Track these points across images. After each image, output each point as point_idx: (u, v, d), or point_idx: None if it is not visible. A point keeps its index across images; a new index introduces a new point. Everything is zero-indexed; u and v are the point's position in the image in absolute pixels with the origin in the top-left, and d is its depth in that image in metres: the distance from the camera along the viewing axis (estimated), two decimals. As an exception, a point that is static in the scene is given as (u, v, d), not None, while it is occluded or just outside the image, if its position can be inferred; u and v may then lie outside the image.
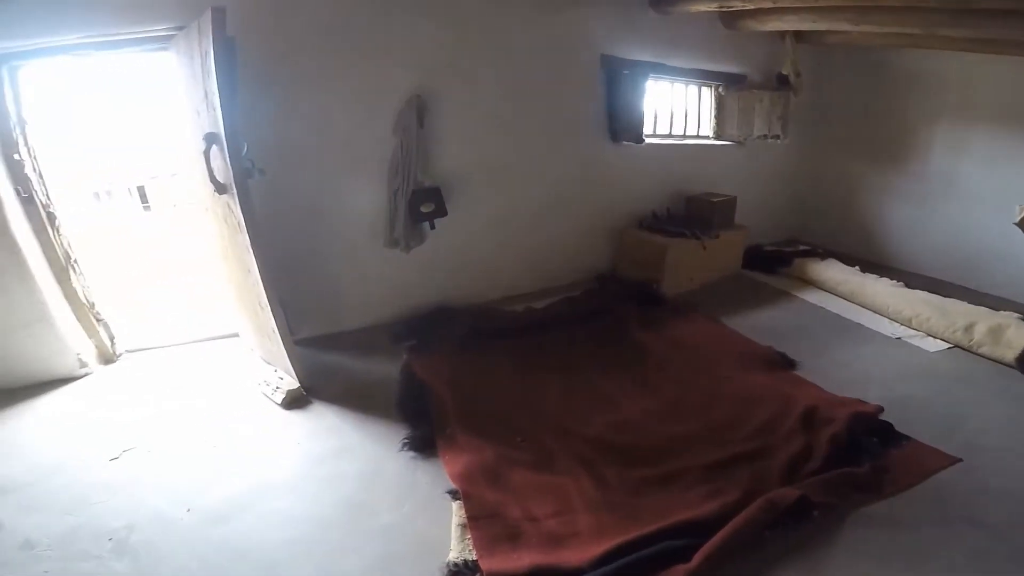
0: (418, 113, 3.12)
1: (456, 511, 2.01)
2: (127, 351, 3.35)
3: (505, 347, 3.18)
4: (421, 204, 3.17)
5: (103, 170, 7.69)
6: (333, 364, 3.13)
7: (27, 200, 2.84)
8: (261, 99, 2.73)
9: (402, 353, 3.14)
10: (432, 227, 3.28)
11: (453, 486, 2.12)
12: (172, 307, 4.11)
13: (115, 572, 1.83)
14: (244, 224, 2.31)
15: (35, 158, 2.89)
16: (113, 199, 8.24)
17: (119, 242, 5.65)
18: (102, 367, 3.21)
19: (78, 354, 3.07)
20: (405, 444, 2.39)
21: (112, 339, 3.26)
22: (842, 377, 2.92)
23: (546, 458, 2.31)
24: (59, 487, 2.24)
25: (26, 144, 2.84)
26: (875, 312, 3.66)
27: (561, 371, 2.97)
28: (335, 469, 2.31)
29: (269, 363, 3.05)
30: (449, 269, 3.59)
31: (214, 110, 2.29)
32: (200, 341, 3.47)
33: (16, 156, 2.78)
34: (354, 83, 3.03)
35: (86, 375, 3.11)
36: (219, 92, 2.22)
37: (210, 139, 2.37)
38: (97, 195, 7.47)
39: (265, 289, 2.44)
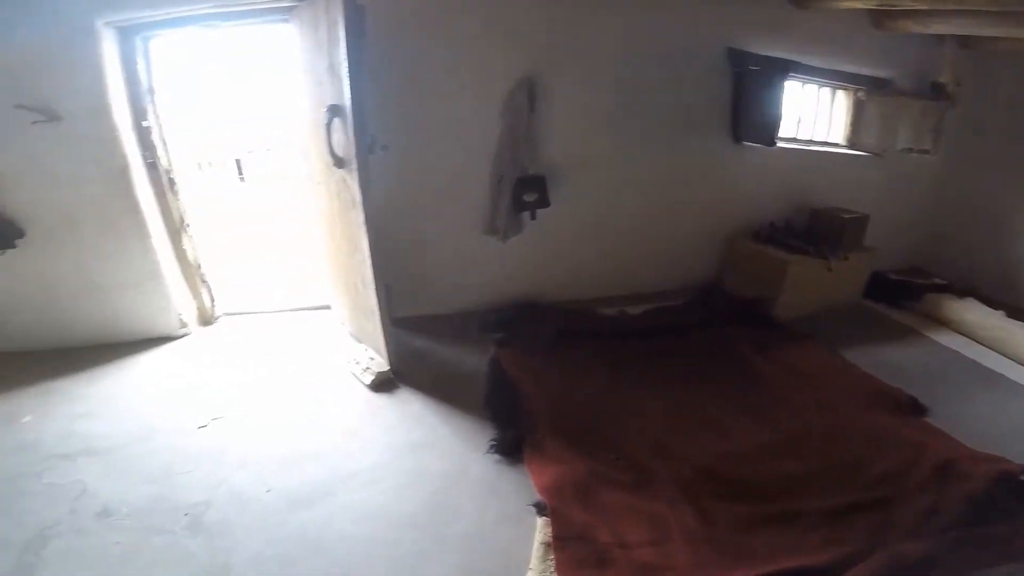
0: (529, 96, 2.99)
1: (541, 527, 1.87)
2: (224, 314, 3.44)
3: (598, 352, 3.00)
4: (524, 193, 3.04)
5: (208, 142, 8.16)
6: (421, 349, 3.07)
7: (151, 166, 2.95)
8: (381, 72, 2.67)
9: (490, 345, 3.03)
10: (533, 217, 3.14)
11: (539, 498, 1.98)
12: (266, 276, 4.21)
13: (187, 551, 1.80)
14: (360, 201, 2.25)
15: (161, 126, 2.99)
16: (214, 170, 8.75)
17: (217, 212, 5.89)
18: (200, 328, 3.31)
19: (180, 314, 3.17)
20: (492, 446, 2.27)
21: (213, 301, 3.35)
22: (980, 430, 2.54)
23: (643, 480, 2.12)
24: (146, 453, 2.27)
25: (154, 112, 2.94)
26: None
27: (662, 386, 2.75)
28: (418, 464, 2.22)
29: (360, 341, 3.02)
30: (542, 262, 3.45)
31: (340, 81, 2.22)
32: (292, 310, 3.52)
33: (144, 123, 2.88)
34: (469, 60, 2.93)
35: (185, 335, 3.21)
36: (346, 62, 2.15)
37: (333, 111, 2.32)
38: (199, 165, 7.94)
39: (373, 268, 2.37)
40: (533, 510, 1.93)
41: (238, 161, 8.87)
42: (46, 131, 2.65)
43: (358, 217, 2.33)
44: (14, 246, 2.83)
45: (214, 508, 1.96)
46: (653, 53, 3.21)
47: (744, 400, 2.68)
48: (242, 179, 8.86)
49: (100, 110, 2.66)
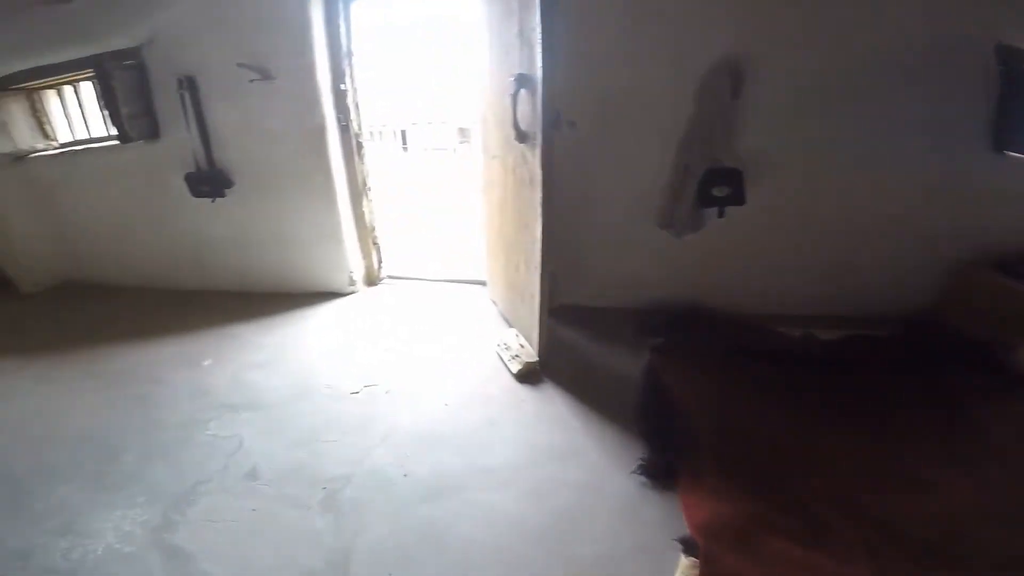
0: (733, 80, 2.60)
1: (684, 568, 1.62)
2: (388, 277, 3.58)
3: (778, 376, 2.59)
4: (714, 186, 2.68)
5: (378, 111, 8.75)
6: (570, 342, 2.89)
7: (343, 128, 3.09)
8: (568, 43, 2.47)
9: (646, 350, 2.76)
10: (721, 215, 2.77)
11: (688, 534, 1.73)
12: (426, 244, 4.35)
13: (314, 529, 1.80)
14: (540, 179, 2.10)
15: (355, 90, 3.11)
16: (382, 140, 9.39)
17: (384, 180, 6.25)
18: (365, 288, 3.47)
19: (351, 272, 3.34)
20: (640, 466, 2.03)
21: (380, 263, 3.49)
22: None
23: (818, 532, 1.77)
24: (302, 413, 2.38)
25: (350, 76, 3.06)
26: None
27: (854, 428, 2.30)
28: (555, 471, 2.05)
29: (510, 324, 2.94)
30: (719, 265, 3.05)
31: (531, 48, 2.08)
32: (448, 281, 3.55)
33: (342, 86, 3.01)
34: (665, 35, 2.62)
35: (352, 293, 3.39)
36: (540, 27, 1.98)
37: (520, 81, 2.19)
38: (370, 134, 8.54)
39: (542, 252, 2.23)
40: (678, 547, 1.69)
41: (403, 132, 9.46)
42: (260, 89, 2.89)
43: (534, 196, 2.19)
44: (223, 195, 3.17)
45: (352, 485, 1.97)
46: (896, 41, 2.60)
47: (959, 457, 2.14)
48: (405, 149, 9.45)
49: (306, 70, 2.83)
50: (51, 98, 3.67)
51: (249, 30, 2.80)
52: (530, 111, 2.15)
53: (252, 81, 2.86)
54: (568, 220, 2.84)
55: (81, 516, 1.89)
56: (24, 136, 3.55)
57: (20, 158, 3.63)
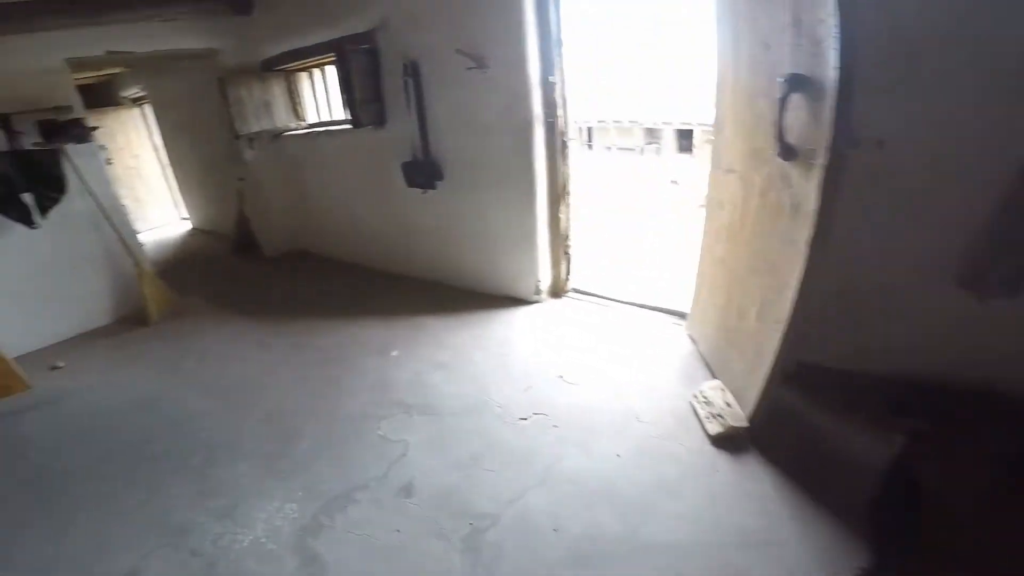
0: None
1: None
2: (573, 290, 3.31)
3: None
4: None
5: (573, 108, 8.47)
6: (794, 407, 2.30)
7: (549, 125, 2.86)
8: (870, 34, 1.88)
9: (898, 434, 2.08)
10: (1071, 279, 1.95)
11: None
12: (616, 258, 3.98)
13: (450, 567, 1.67)
14: (815, 211, 1.60)
15: (564, 83, 2.86)
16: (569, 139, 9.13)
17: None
18: (550, 299, 3.24)
19: (538, 280, 3.13)
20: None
21: (568, 275, 3.23)
22: None
23: None
24: (468, 431, 2.25)
25: (560, 67, 2.81)
26: None
27: None
28: (743, 563, 1.64)
29: (715, 375, 2.45)
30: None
31: (813, 43, 1.59)
32: (640, 306, 3.14)
33: (551, 79, 2.78)
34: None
35: (536, 303, 3.19)
36: (837, 15, 1.48)
37: (794, 83, 1.70)
38: (578, 131, 8.33)
39: (795, 305, 1.73)
40: None
41: (589, 129, 9.10)
42: (474, 79, 2.79)
43: (795, 230, 1.69)
44: (435, 187, 3.18)
45: (498, 527, 1.81)
46: None
47: None
48: (590, 147, 9.11)
49: (518, 60, 2.66)
50: (303, 80, 4.08)
51: (466, 15, 2.72)
52: (807, 122, 1.65)
53: (469, 69, 2.77)
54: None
55: (243, 501, 1.97)
56: (282, 115, 4.01)
57: (277, 136, 4.11)
